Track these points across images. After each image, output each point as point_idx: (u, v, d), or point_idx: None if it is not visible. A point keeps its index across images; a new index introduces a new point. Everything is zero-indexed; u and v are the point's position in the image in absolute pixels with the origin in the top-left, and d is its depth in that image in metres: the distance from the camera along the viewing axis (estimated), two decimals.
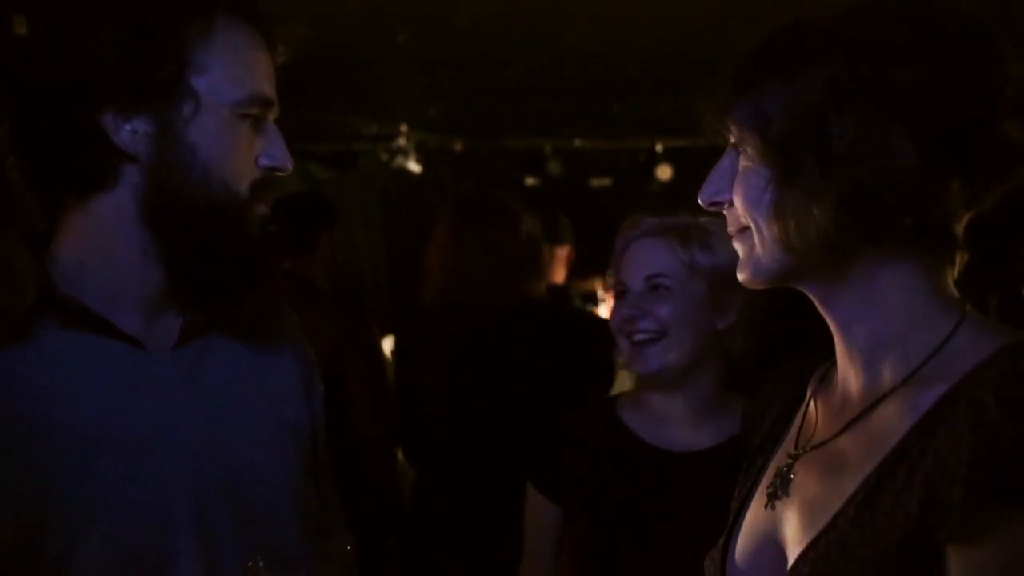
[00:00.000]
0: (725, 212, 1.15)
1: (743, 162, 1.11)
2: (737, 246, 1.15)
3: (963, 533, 0.95)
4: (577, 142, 7.75)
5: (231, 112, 1.25)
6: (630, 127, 7.35)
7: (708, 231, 1.90)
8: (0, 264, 1.24)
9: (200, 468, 1.27)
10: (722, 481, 1.82)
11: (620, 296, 1.93)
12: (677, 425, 1.91)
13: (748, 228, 1.12)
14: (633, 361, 1.89)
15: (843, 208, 1.03)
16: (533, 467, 2.02)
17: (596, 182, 7.96)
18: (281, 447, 1.37)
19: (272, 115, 1.31)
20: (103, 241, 1.26)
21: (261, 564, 1.16)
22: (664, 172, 7.49)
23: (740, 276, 1.15)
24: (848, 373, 1.13)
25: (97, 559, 1.19)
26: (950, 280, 1.10)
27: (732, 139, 1.13)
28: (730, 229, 1.15)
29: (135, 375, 1.26)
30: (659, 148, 7.57)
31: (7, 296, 1.22)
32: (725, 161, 1.14)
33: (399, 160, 7.05)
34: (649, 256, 1.90)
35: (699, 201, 1.16)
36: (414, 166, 7.06)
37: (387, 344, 5.69)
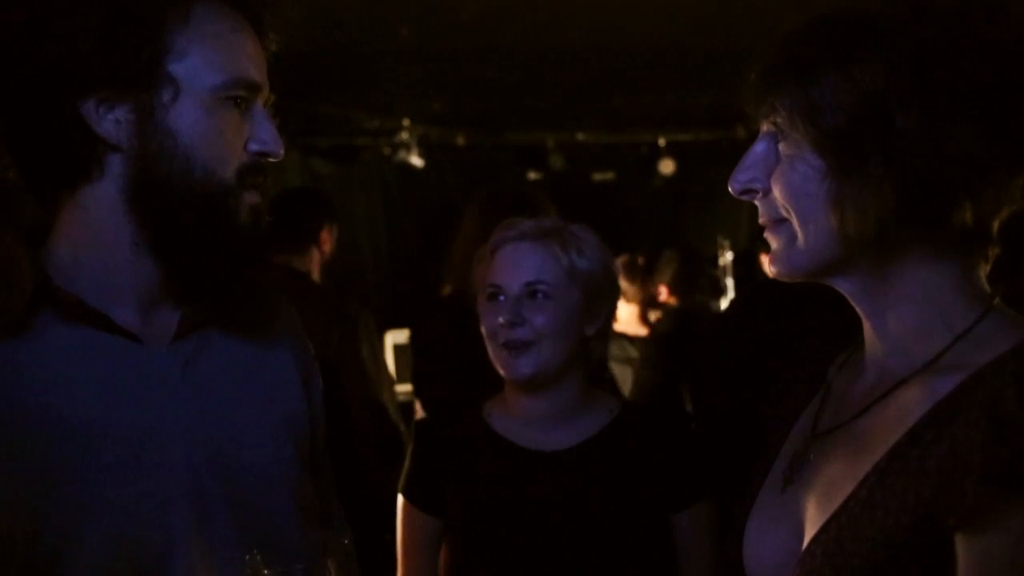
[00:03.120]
0: (756, 202, 1.13)
1: (785, 150, 1.08)
2: (770, 237, 1.13)
3: (973, 521, 0.95)
4: (579, 136, 7.75)
5: (212, 97, 1.24)
6: (633, 121, 7.35)
7: (580, 237, 1.91)
8: None
9: (198, 462, 1.27)
10: (596, 474, 1.86)
11: (493, 299, 1.89)
12: (545, 426, 1.90)
13: (785, 220, 1.09)
14: (505, 366, 1.87)
15: (905, 201, 1.02)
16: (405, 480, 1.97)
17: (599, 176, 7.95)
18: (279, 440, 1.36)
19: (261, 99, 1.29)
20: (94, 234, 1.26)
21: (259, 557, 1.16)
22: (667, 166, 7.48)
23: (774, 268, 1.13)
24: (874, 359, 1.13)
25: (95, 552, 1.19)
26: (982, 274, 1.10)
27: (767, 126, 1.10)
28: (762, 220, 1.13)
29: (132, 369, 1.26)
30: (662, 142, 7.56)
31: (4, 291, 1.21)
32: (759, 148, 1.11)
33: (401, 154, 7.05)
34: (529, 261, 1.87)
35: (730, 188, 1.13)
36: (416, 160, 7.07)
37: (388, 339, 5.71)
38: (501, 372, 1.89)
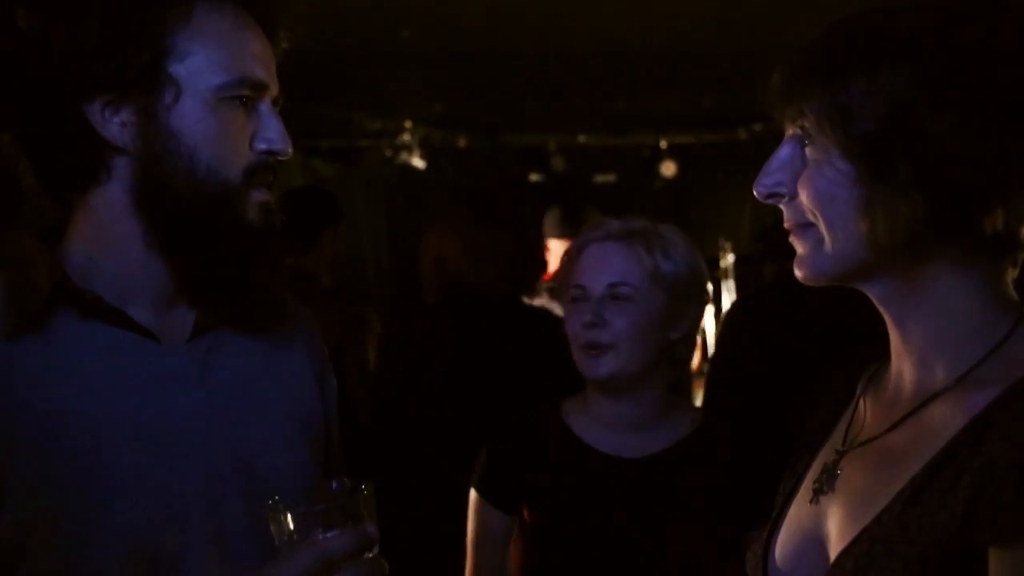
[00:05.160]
0: (782, 206, 1.11)
1: (813, 154, 1.07)
2: (796, 242, 1.11)
3: (1008, 536, 0.93)
4: (581, 138, 7.76)
5: (215, 97, 1.24)
6: (634, 123, 7.36)
7: (667, 239, 1.89)
8: (16, 259, 1.25)
9: (213, 460, 1.28)
10: (676, 483, 1.84)
11: (576, 300, 1.88)
12: (626, 431, 1.89)
13: (812, 224, 1.08)
14: (585, 366, 1.86)
15: (935, 207, 1.00)
16: (480, 475, 1.96)
17: (600, 178, 7.96)
18: (294, 440, 1.37)
19: (268, 97, 1.30)
20: (106, 235, 1.27)
21: (281, 504, 1.14)
22: (668, 168, 7.49)
23: (800, 273, 1.11)
24: (901, 371, 1.12)
25: (111, 550, 1.20)
26: (1010, 282, 1.08)
27: (793, 130, 1.09)
28: (787, 224, 1.11)
29: (150, 367, 1.27)
30: (663, 144, 7.57)
31: (24, 289, 1.22)
32: (784, 151, 1.10)
33: (403, 156, 7.06)
34: (612, 261, 1.86)
35: (755, 192, 1.12)
36: (418, 162, 7.08)
37: None
38: (582, 372, 1.88)
